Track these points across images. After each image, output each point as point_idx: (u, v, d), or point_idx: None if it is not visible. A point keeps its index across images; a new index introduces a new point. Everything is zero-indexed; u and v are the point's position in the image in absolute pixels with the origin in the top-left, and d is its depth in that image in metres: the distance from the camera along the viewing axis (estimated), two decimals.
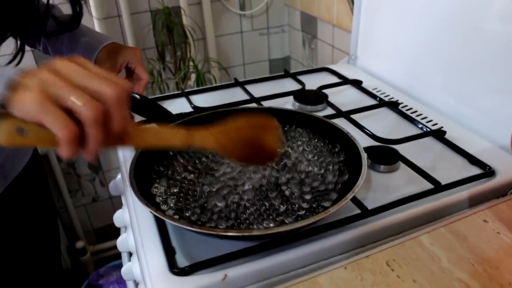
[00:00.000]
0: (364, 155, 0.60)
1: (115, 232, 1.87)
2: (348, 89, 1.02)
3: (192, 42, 1.51)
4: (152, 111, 0.82)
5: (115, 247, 1.89)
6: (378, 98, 0.94)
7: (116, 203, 1.84)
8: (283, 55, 1.83)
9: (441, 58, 0.89)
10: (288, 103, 0.94)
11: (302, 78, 1.06)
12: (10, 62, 0.76)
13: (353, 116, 0.84)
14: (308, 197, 0.59)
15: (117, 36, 1.51)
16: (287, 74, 1.09)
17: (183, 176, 0.64)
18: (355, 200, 0.60)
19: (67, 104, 0.40)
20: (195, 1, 1.57)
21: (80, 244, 1.80)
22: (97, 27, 1.46)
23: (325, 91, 0.98)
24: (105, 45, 0.87)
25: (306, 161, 0.66)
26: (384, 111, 0.90)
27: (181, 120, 0.71)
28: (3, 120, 0.39)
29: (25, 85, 0.40)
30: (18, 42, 0.74)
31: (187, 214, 0.56)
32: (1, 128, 0.39)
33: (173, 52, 1.51)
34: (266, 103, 0.92)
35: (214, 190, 0.60)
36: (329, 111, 0.88)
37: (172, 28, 1.45)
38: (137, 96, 0.82)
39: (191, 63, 1.46)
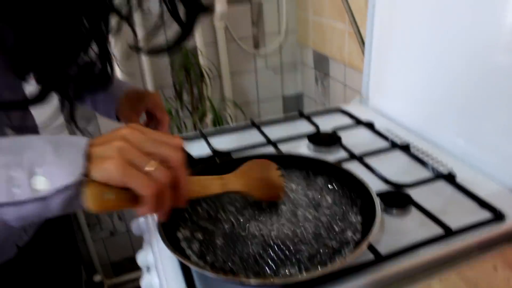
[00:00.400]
0: (378, 205, 0.63)
1: (132, 265, 1.90)
2: (361, 131, 1.05)
3: (209, 81, 1.56)
4: None
5: (132, 280, 1.92)
6: (390, 140, 0.97)
7: (133, 237, 1.87)
8: (297, 92, 1.88)
9: (452, 98, 0.91)
10: (303, 145, 0.97)
11: (316, 119, 1.10)
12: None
13: (366, 159, 0.87)
14: (323, 242, 0.62)
15: (137, 75, 1.57)
16: (301, 115, 1.13)
17: (207, 221, 0.67)
18: (369, 246, 0.62)
19: (143, 170, 0.46)
20: (211, 41, 1.64)
21: (97, 277, 1.83)
22: (116, 69, 1.52)
23: (339, 132, 1.01)
24: (125, 92, 0.92)
25: (323, 208, 0.69)
26: (396, 153, 0.93)
27: (204, 165, 0.75)
28: (89, 187, 0.44)
29: (103, 155, 0.46)
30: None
31: (211, 260, 0.59)
32: (89, 194, 0.44)
33: (190, 91, 1.56)
34: (281, 145, 0.96)
35: (237, 236, 0.63)
36: (343, 153, 0.92)
37: (189, 68, 1.51)
38: None
39: (207, 102, 1.51)
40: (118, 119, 0.92)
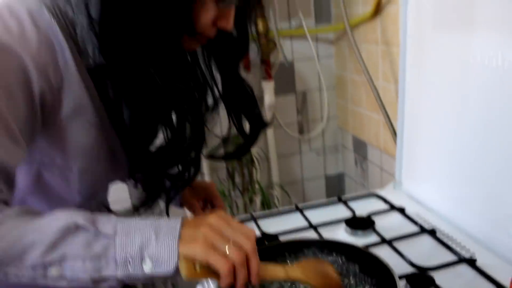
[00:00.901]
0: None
1: None
2: (393, 215, 1.16)
3: (258, 165, 1.73)
4: None
5: None
6: (418, 225, 1.08)
7: None
8: (338, 172, 2.01)
9: (477, 184, 1.00)
10: (341, 229, 1.09)
11: (353, 204, 1.22)
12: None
13: (395, 243, 0.98)
14: None
15: None
16: (340, 200, 1.26)
17: None
18: None
19: (222, 251, 0.60)
20: None
21: None
22: None
23: (373, 217, 1.13)
24: None
25: None
26: (423, 237, 1.03)
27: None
28: (184, 261, 0.59)
29: (193, 237, 0.61)
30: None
31: None
32: (183, 266, 0.59)
33: (241, 174, 1.73)
34: (321, 229, 1.08)
35: None
36: (375, 237, 1.03)
37: None
38: None
39: (256, 185, 1.66)
40: (181, 205, 1.08)
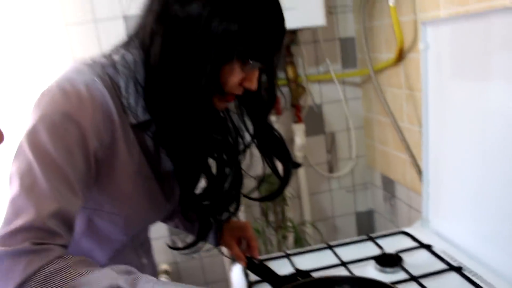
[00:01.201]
0: None
1: None
2: (421, 252, 1.20)
3: (290, 204, 1.80)
4: (266, 273, 1.07)
5: None
6: (445, 262, 1.12)
7: None
8: (367, 208, 2.06)
9: (504, 219, 1.02)
10: (370, 265, 1.14)
11: (381, 241, 1.27)
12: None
13: (423, 280, 1.03)
14: None
15: None
16: (369, 238, 1.31)
17: None
18: None
19: None
20: None
21: None
22: None
23: (401, 254, 1.17)
24: (225, 223, 1.16)
25: None
26: (450, 275, 1.07)
27: (290, 286, 0.95)
28: None
29: None
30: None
31: None
32: None
33: (274, 212, 1.80)
34: (351, 266, 1.13)
35: None
36: (403, 275, 1.08)
37: None
38: (256, 261, 1.08)
39: (289, 223, 1.73)
40: (218, 244, 1.15)
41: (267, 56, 0.84)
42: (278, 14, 0.82)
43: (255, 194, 1.10)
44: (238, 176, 1.00)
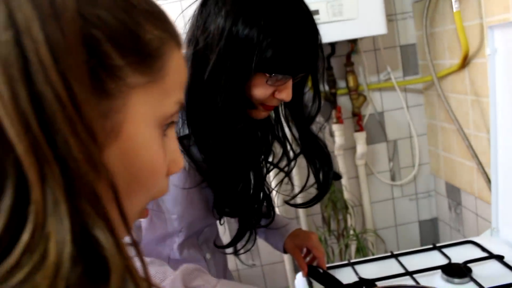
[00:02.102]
0: None
1: None
2: (491, 263, 1.14)
3: (352, 211, 1.76)
4: (330, 281, 1.05)
5: None
6: None
7: None
8: (431, 216, 1.97)
9: None
10: (437, 276, 1.09)
11: (448, 250, 1.21)
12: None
13: None
14: None
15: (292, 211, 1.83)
16: (434, 247, 1.25)
17: None
18: None
19: None
20: (354, 177, 1.86)
21: None
22: (275, 199, 1.79)
23: (470, 264, 1.11)
24: (291, 232, 1.15)
25: None
26: None
27: None
28: None
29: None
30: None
31: None
32: None
33: (337, 220, 1.77)
34: (417, 276, 1.09)
35: None
36: (473, 286, 1.02)
37: (336, 201, 1.73)
38: (320, 270, 1.06)
39: (351, 231, 1.69)
40: (285, 252, 1.15)
41: (294, 69, 0.83)
42: (302, 29, 0.82)
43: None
44: (259, 180, 1.00)
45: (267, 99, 0.86)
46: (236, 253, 1.08)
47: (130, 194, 0.37)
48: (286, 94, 0.85)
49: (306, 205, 1.09)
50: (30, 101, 0.28)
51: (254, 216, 1.03)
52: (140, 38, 0.36)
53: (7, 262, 0.28)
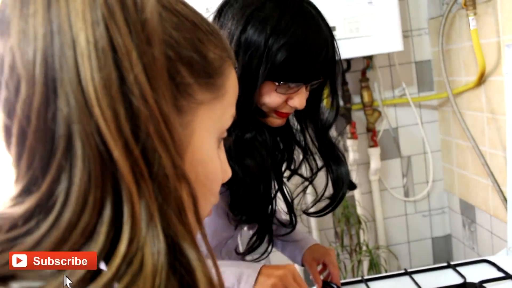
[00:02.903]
0: None
1: None
2: (507, 284, 1.11)
3: (365, 227, 1.74)
4: None
5: None
6: None
7: None
8: (445, 233, 1.94)
9: None
10: None
11: (463, 269, 1.19)
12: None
13: None
14: None
15: (303, 220, 1.81)
16: (449, 266, 1.23)
17: None
18: None
19: None
20: (367, 192, 1.84)
21: None
22: None
23: (485, 284, 1.09)
24: (310, 246, 1.14)
25: None
26: None
27: None
28: None
29: (264, 281, 0.76)
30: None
31: None
32: None
33: (349, 235, 1.75)
34: None
35: None
36: None
37: (349, 216, 1.72)
38: (334, 286, 1.05)
39: (364, 247, 1.67)
40: (302, 265, 1.14)
41: (302, 77, 0.83)
42: (310, 37, 0.81)
43: None
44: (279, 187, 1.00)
45: (280, 107, 0.86)
46: (254, 260, 1.07)
47: (200, 200, 0.40)
48: (299, 101, 0.85)
49: (320, 213, 1.08)
50: (128, 121, 0.31)
51: (272, 223, 1.02)
52: (206, 57, 0.39)
53: (108, 271, 0.31)
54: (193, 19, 0.39)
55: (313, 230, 1.79)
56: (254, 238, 1.00)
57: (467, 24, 1.38)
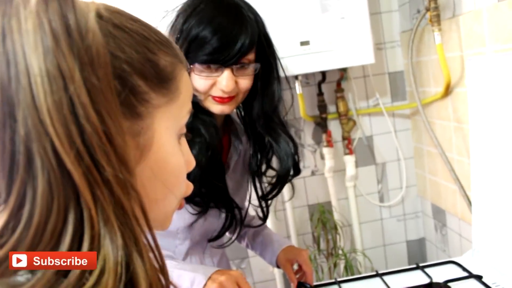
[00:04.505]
0: None
1: None
2: (470, 283, 1.18)
3: (341, 232, 1.80)
4: None
5: None
6: None
7: None
8: (419, 237, 2.02)
9: None
10: None
11: (430, 270, 1.26)
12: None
13: None
14: None
15: (282, 225, 1.87)
16: (418, 267, 1.30)
17: None
18: None
19: None
20: (343, 198, 1.90)
21: None
22: (268, 218, 1.82)
23: (450, 284, 1.16)
24: (284, 248, 1.20)
25: None
26: None
27: None
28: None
29: (209, 285, 0.86)
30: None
31: None
32: None
33: (326, 240, 1.81)
34: None
35: None
36: None
37: (325, 222, 1.78)
38: (308, 286, 1.11)
39: (340, 251, 1.73)
40: (277, 266, 1.20)
41: (217, 59, 0.90)
42: (215, 19, 0.89)
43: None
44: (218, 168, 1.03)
45: (210, 90, 0.93)
46: (223, 246, 1.14)
47: (164, 197, 0.45)
48: (224, 83, 0.91)
49: (270, 194, 1.13)
50: (79, 136, 0.35)
51: (235, 208, 1.07)
52: (158, 65, 0.44)
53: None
54: (143, 33, 0.44)
55: (292, 235, 1.84)
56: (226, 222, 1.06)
57: (434, 38, 1.46)
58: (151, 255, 0.40)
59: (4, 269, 0.35)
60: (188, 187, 0.50)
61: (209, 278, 0.88)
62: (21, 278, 0.36)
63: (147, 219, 0.40)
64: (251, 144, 1.09)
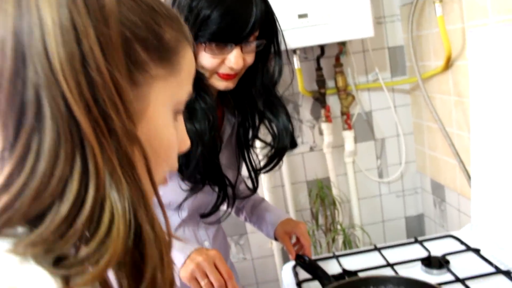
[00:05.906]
0: None
1: None
2: (468, 256, 1.18)
3: (340, 208, 1.80)
4: (316, 271, 1.09)
5: None
6: (494, 266, 1.09)
7: None
8: (417, 212, 2.02)
9: None
10: (417, 267, 1.13)
11: (429, 244, 1.26)
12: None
13: (469, 282, 1.01)
14: None
15: (280, 201, 1.87)
16: (416, 241, 1.29)
17: None
18: None
19: (200, 282, 0.85)
20: (342, 174, 1.90)
21: None
22: (266, 195, 1.82)
23: (448, 257, 1.15)
24: (281, 220, 1.19)
25: None
26: (499, 278, 1.04)
27: (337, 283, 0.96)
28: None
29: (187, 266, 0.87)
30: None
31: None
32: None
33: (325, 215, 1.81)
34: (398, 267, 1.13)
35: None
36: (449, 277, 1.06)
37: (324, 197, 1.77)
38: (306, 259, 1.10)
39: (338, 226, 1.73)
40: (275, 238, 1.20)
41: (228, 37, 0.89)
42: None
43: None
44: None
45: (218, 67, 0.92)
46: (219, 221, 1.15)
47: (154, 166, 0.45)
48: (234, 61, 0.91)
49: (266, 167, 1.14)
50: (88, 88, 0.37)
51: (227, 183, 1.07)
52: (161, 38, 0.44)
53: (82, 216, 0.37)
54: (152, 4, 0.44)
55: (290, 210, 1.84)
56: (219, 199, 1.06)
57: (435, 11, 1.43)
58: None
59: (8, 217, 0.36)
60: (174, 165, 0.51)
61: (188, 257, 0.90)
62: (21, 230, 0.37)
63: (150, 174, 0.41)
64: (239, 116, 1.09)
